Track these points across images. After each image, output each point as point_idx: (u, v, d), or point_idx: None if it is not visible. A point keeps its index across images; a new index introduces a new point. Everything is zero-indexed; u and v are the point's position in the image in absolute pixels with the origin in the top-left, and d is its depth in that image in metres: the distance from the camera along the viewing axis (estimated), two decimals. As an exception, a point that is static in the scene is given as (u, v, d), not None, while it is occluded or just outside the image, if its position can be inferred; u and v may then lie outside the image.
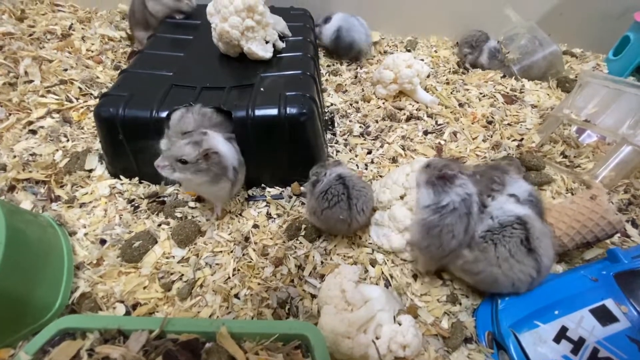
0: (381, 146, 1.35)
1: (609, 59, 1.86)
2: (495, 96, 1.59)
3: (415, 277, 0.99)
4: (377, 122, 1.45)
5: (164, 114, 1.02)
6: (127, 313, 0.87)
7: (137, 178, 1.16)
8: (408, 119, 1.47)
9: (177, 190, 1.15)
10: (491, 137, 1.40)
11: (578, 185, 1.24)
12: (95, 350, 0.63)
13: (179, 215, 1.08)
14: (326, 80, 1.68)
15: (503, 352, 0.81)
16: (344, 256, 1.02)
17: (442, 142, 1.37)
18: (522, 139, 1.40)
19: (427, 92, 1.58)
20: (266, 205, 1.14)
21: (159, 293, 0.91)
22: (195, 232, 1.02)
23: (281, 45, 1.31)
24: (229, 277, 0.95)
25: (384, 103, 1.56)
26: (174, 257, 0.99)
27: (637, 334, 0.75)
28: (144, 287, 0.92)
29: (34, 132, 1.27)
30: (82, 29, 1.77)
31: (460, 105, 1.54)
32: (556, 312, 0.81)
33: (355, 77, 1.70)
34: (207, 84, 1.13)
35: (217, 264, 0.98)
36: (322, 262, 1.00)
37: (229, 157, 0.97)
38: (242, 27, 1.16)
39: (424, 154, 1.32)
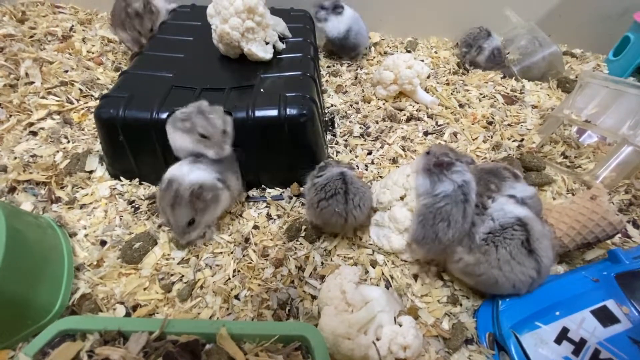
0: (381, 147, 1.35)
1: (609, 59, 1.86)
2: (495, 97, 1.59)
3: (415, 277, 0.98)
4: (377, 122, 1.45)
5: (164, 115, 1.02)
6: (127, 314, 0.87)
7: (137, 179, 1.16)
8: (408, 120, 1.47)
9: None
10: (491, 137, 1.40)
11: (578, 185, 1.24)
12: (95, 352, 0.63)
13: (179, 216, 1.07)
14: (326, 81, 1.68)
15: (504, 353, 0.81)
16: (344, 257, 1.02)
17: (443, 143, 1.37)
18: (522, 140, 1.40)
19: (427, 92, 1.58)
20: (266, 206, 1.14)
21: (159, 294, 0.91)
22: (195, 233, 1.02)
23: (281, 46, 1.31)
24: (229, 278, 0.95)
25: (384, 104, 1.56)
26: (174, 258, 0.99)
27: (639, 334, 0.75)
28: (144, 289, 0.92)
29: (34, 133, 1.27)
30: (83, 30, 1.77)
31: (461, 105, 1.54)
32: (557, 313, 0.80)
33: (356, 78, 1.70)
34: (207, 85, 1.13)
35: (217, 265, 0.98)
36: (322, 263, 1.00)
37: (207, 177, 0.96)
38: (242, 28, 1.16)
39: (424, 154, 1.32)
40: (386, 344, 0.76)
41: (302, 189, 1.17)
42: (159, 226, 1.05)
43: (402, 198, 1.01)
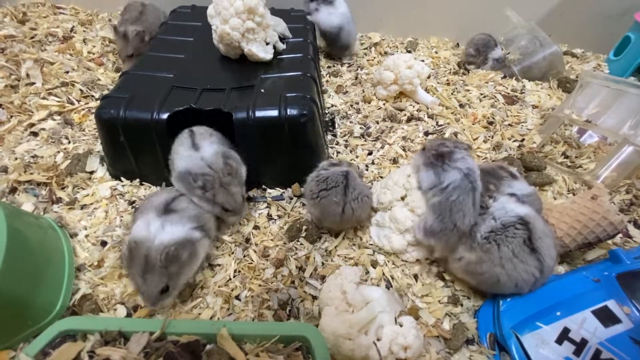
0: (382, 147, 1.35)
1: (610, 59, 1.86)
2: (495, 97, 1.59)
3: (416, 278, 0.98)
4: (377, 123, 1.45)
5: (164, 116, 1.02)
6: (128, 315, 0.87)
7: (137, 180, 1.16)
8: (409, 120, 1.47)
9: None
10: (492, 137, 1.40)
11: (579, 185, 1.23)
12: (96, 352, 0.63)
13: (179, 216, 1.07)
14: (326, 81, 1.68)
15: (505, 354, 0.81)
16: (345, 257, 1.02)
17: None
18: (523, 140, 1.40)
19: (428, 92, 1.58)
20: (267, 207, 1.14)
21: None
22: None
23: (281, 46, 1.31)
24: (230, 279, 0.95)
25: (384, 104, 1.56)
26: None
27: (640, 335, 0.75)
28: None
29: (35, 134, 1.27)
30: (84, 31, 1.77)
31: (461, 106, 1.54)
32: (558, 314, 0.80)
33: (356, 78, 1.70)
34: (207, 85, 1.13)
35: (217, 266, 0.98)
36: (322, 264, 1.00)
37: (180, 232, 0.83)
38: (242, 28, 1.16)
39: (425, 154, 1.32)
40: (387, 344, 0.76)
41: (302, 189, 1.17)
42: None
43: (402, 198, 1.01)
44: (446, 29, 2.00)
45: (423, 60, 1.80)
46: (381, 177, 1.23)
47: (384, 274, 0.98)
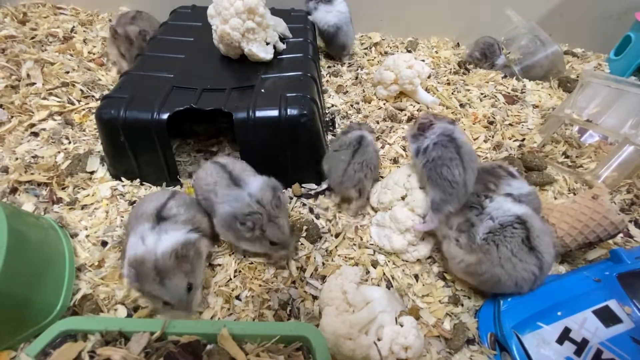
0: (382, 147, 1.34)
1: (611, 58, 1.85)
2: (496, 96, 1.59)
3: (416, 278, 0.98)
4: (378, 123, 1.45)
5: (164, 116, 1.02)
6: (129, 315, 0.87)
7: (138, 180, 1.16)
8: (409, 120, 1.47)
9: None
10: (492, 137, 1.40)
11: (580, 185, 1.23)
12: (96, 352, 0.63)
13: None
14: (327, 81, 1.68)
15: (505, 354, 0.81)
16: (345, 257, 1.02)
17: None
18: (523, 139, 1.40)
19: (428, 92, 1.58)
20: (267, 207, 1.14)
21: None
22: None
23: (282, 46, 1.31)
24: (230, 279, 0.95)
25: (384, 104, 1.56)
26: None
27: (641, 335, 0.75)
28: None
29: (35, 134, 1.27)
30: (84, 31, 1.77)
31: (461, 105, 1.54)
32: (559, 313, 0.80)
33: (356, 78, 1.70)
34: (207, 85, 1.13)
35: (218, 265, 0.98)
36: (323, 264, 1.00)
37: (166, 247, 0.78)
38: (242, 28, 1.16)
39: (425, 154, 1.32)
40: (387, 344, 0.76)
41: (302, 189, 1.18)
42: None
43: (403, 198, 1.01)
44: (446, 28, 2.00)
45: (423, 60, 1.80)
46: (382, 177, 1.23)
47: (384, 273, 0.98)
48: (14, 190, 1.10)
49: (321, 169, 1.12)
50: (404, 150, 1.33)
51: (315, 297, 0.92)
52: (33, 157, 1.20)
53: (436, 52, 1.91)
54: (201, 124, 1.38)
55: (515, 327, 0.81)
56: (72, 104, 1.39)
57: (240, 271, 0.96)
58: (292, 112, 1.03)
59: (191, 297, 0.79)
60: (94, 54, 1.66)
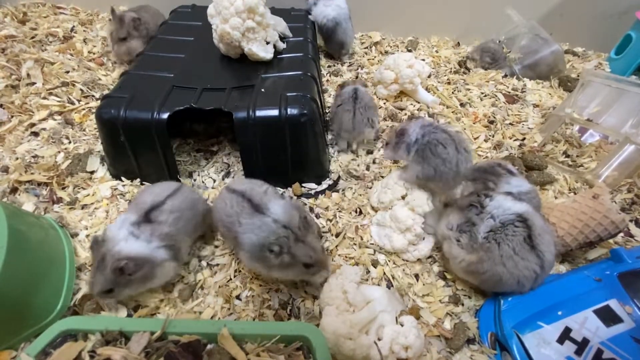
0: (382, 146, 1.34)
1: (611, 57, 1.85)
2: (496, 96, 1.59)
3: (417, 277, 0.98)
4: (378, 122, 1.45)
5: (165, 116, 1.02)
6: (129, 315, 0.87)
7: (138, 179, 1.16)
8: (409, 119, 1.46)
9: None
10: (493, 137, 1.40)
11: (580, 184, 1.23)
12: (96, 352, 0.63)
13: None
14: (327, 80, 1.68)
15: (506, 353, 0.81)
16: (346, 257, 1.02)
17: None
18: (524, 139, 1.39)
19: (429, 92, 1.57)
20: (267, 206, 1.14)
21: (160, 294, 0.91)
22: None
23: (282, 46, 1.31)
24: (231, 279, 0.95)
25: (385, 103, 1.55)
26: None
27: (642, 334, 0.75)
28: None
29: (36, 134, 1.27)
30: (84, 31, 1.77)
31: (462, 105, 1.54)
32: (560, 313, 0.80)
33: (356, 77, 1.70)
34: (207, 85, 1.13)
35: (218, 265, 0.98)
36: (323, 263, 0.99)
37: (141, 248, 0.80)
38: (242, 28, 1.16)
39: (426, 154, 1.32)
40: (388, 344, 0.76)
41: (303, 189, 1.17)
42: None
43: (403, 197, 1.01)
44: (447, 28, 1.99)
45: (424, 60, 1.80)
46: (382, 177, 1.23)
47: (384, 273, 0.98)
48: (14, 190, 1.10)
49: (321, 168, 1.12)
50: (404, 149, 1.33)
51: (315, 297, 0.92)
52: (33, 156, 1.20)
53: (436, 51, 1.91)
54: (201, 124, 1.38)
55: (516, 327, 0.81)
56: (72, 103, 1.39)
57: (240, 271, 0.96)
58: (292, 111, 1.03)
59: (104, 296, 0.80)
60: (94, 53, 1.65)
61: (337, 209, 1.13)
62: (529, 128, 1.44)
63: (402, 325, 0.79)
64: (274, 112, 1.03)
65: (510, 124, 1.46)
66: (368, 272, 0.99)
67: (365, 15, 1.92)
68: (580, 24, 1.93)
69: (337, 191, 1.19)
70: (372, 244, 1.05)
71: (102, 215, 1.07)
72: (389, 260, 1.01)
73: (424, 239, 1.02)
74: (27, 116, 1.32)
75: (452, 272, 0.97)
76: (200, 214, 0.95)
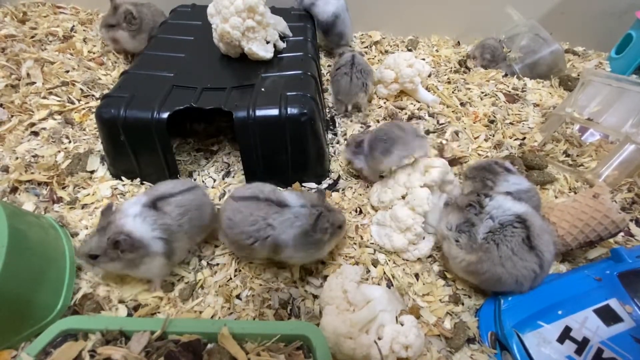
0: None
1: (612, 57, 1.85)
2: (497, 95, 1.59)
3: (417, 277, 0.98)
4: (378, 122, 1.45)
5: (165, 115, 1.02)
6: (129, 314, 0.87)
7: (138, 179, 1.16)
8: (409, 119, 1.47)
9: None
10: (493, 136, 1.40)
11: (581, 184, 1.23)
12: (97, 352, 0.63)
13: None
14: (327, 80, 1.67)
15: (506, 353, 0.81)
16: (346, 256, 1.02)
17: (444, 142, 1.36)
18: (524, 138, 1.39)
19: (429, 91, 1.57)
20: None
21: (160, 294, 0.91)
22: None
23: (282, 45, 1.31)
24: (231, 278, 0.95)
25: (385, 103, 1.55)
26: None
27: (642, 334, 0.75)
28: (146, 289, 0.92)
29: (36, 133, 1.27)
30: (84, 30, 1.77)
31: (462, 104, 1.53)
32: (560, 312, 0.80)
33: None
34: (208, 84, 1.13)
35: (218, 265, 0.98)
36: (323, 263, 0.99)
37: (144, 232, 0.81)
38: (242, 27, 1.16)
39: (426, 153, 1.32)
40: (388, 343, 0.76)
41: (303, 188, 1.17)
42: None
43: (403, 197, 1.01)
44: (447, 27, 1.99)
45: (424, 59, 1.79)
46: (382, 176, 1.22)
47: (384, 272, 0.98)
48: (14, 190, 1.10)
49: (322, 168, 1.12)
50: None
51: (315, 296, 0.92)
52: (33, 156, 1.20)
53: (437, 50, 1.90)
54: (201, 123, 1.38)
55: (516, 326, 0.81)
56: (72, 103, 1.39)
57: (240, 270, 0.96)
58: (292, 111, 1.03)
59: (89, 261, 0.81)
60: (94, 53, 1.65)
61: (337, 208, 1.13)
62: (529, 127, 1.44)
63: (402, 325, 0.79)
64: (274, 112, 1.03)
65: (511, 123, 1.46)
66: (368, 271, 0.99)
67: (365, 15, 1.92)
68: (581, 23, 1.93)
69: (337, 190, 1.19)
70: (372, 243, 1.05)
71: (102, 214, 1.07)
72: (389, 260, 1.01)
73: (424, 238, 1.02)
74: (27, 116, 1.31)
75: (452, 271, 0.97)
76: (206, 218, 0.94)
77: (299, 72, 1.19)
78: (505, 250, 0.83)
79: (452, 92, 1.60)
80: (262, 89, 1.10)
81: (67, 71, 1.49)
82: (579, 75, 1.71)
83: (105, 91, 1.43)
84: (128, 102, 1.05)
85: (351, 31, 1.79)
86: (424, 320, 0.89)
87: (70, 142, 1.26)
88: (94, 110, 1.30)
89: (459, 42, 1.99)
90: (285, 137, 1.06)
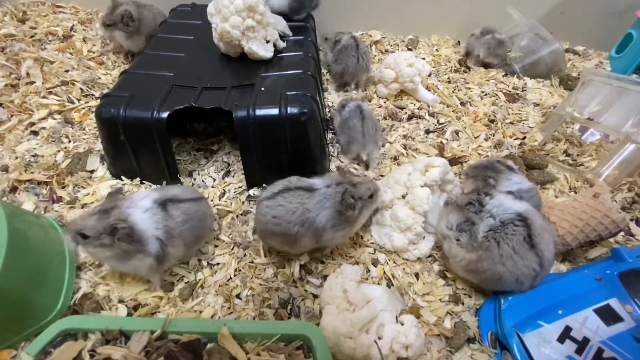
0: (383, 145, 1.34)
1: (612, 56, 1.85)
2: (497, 95, 1.59)
3: (417, 276, 0.98)
4: (378, 121, 1.45)
5: (164, 115, 1.02)
6: (129, 314, 0.87)
7: (138, 179, 1.16)
8: (409, 118, 1.47)
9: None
10: (493, 135, 1.40)
11: (581, 183, 1.23)
12: (96, 351, 0.63)
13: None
14: (327, 79, 1.67)
15: (506, 353, 0.81)
16: (346, 256, 1.02)
17: (444, 141, 1.36)
18: (524, 138, 1.39)
19: (429, 91, 1.57)
20: (267, 205, 1.14)
21: (160, 293, 0.91)
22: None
23: (282, 44, 1.31)
24: (231, 278, 0.95)
25: (385, 102, 1.55)
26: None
27: (642, 333, 0.75)
28: (146, 288, 0.92)
29: (35, 133, 1.27)
30: (84, 30, 1.77)
31: (462, 104, 1.53)
32: (560, 312, 0.80)
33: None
34: (207, 84, 1.13)
35: (218, 265, 0.98)
36: (323, 262, 0.99)
37: (148, 228, 0.80)
38: (242, 27, 1.16)
39: (426, 153, 1.32)
40: (388, 343, 0.76)
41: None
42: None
43: (403, 197, 1.00)
44: (447, 26, 1.99)
45: (424, 58, 1.79)
46: (382, 176, 1.23)
47: (384, 272, 0.98)
48: (14, 189, 1.10)
49: (321, 167, 1.12)
50: (405, 148, 1.33)
51: (315, 296, 0.92)
52: (33, 156, 1.19)
53: (437, 50, 1.90)
54: (201, 123, 1.38)
55: (516, 326, 0.81)
56: (72, 102, 1.39)
57: (240, 270, 0.96)
58: (292, 110, 1.03)
59: (76, 239, 0.77)
60: (93, 52, 1.65)
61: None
62: (529, 127, 1.44)
63: (402, 325, 0.79)
64: (274, 111, 1.03)
65: (511, 122, 1.46)
66: (368, 271, 0.98)
67: (365, 14, 1.92)
68: (581, 22, 1.93)
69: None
70: (372, 243, 1.04)
71: (102, 214, 1.06)
72: (389, 260, 1.01)
73: (424, 238, 1.02)
74: (26, 115, 1.31)
75: (452, 271, 0.97)
76: (205, 230, 0.95)
77: (299, 71, 1.19)
78: (506, 249, 0.83)
79: (452, 91, 1.60)
80: (262, 89, 1.10)
81: (67, 71, 1.49)
82: (579, 74, 1.71)
83: (105, 91, 1.43)
84: (128, 101, 1.04)
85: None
86: (424, 319, 0.89)
87: (70, 141, 1.26)
88: (93, 109, 1.30)
89: (459, 41, 1.98)
90: (285, 136, 1.06)
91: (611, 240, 1.01)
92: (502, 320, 0.83)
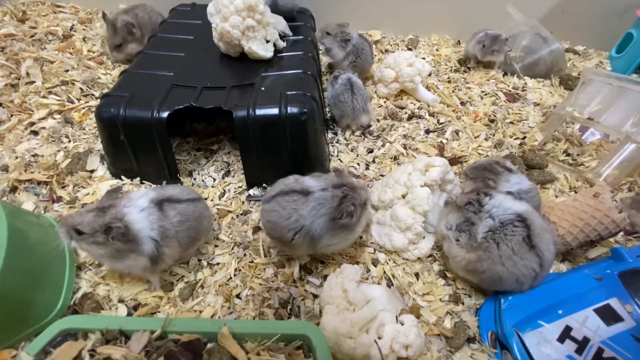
0: (383, 145, 1.34)
1: (612, 56, 1.85)
2: (497, 94, 1.59)
3: (417, 276, 0.98)
4: (378, 121, 1.45)
5: (164, 114, 1.02)
6: (129, 314, 0.87)
7: (138, 178, 1.16)
8: (410, 118, 1.46)
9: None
10: (493, 135, 1.40)
11: (581, 183, 1.23)
12: (97, 351, 0.63)
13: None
14: (327, 79, 1.67)
15: (506, 352, 0.81)
16: (346, 256, 1.02)
17: (444, 141, 1.36)
18: (524, 138, 1.39)
19: (429, 90, 1.57)
20: (267, 205, 1.14)
21: (160, 293, 0.91)
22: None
23: (282, 44, 1.31)
24: (231, 278, 0.95)
25: (385, 102, 1.55)
26: (175, 257, 0.98)
27: (642, 333, 0.75)
28: (146, 288, 0.92)
29: (35, 133, 1.27)
30: (84, 29, 1.77)
31: (462, 103, 1.53)
32: (560, 312, 0.80)
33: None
34: (207, 83, 1.13)
35: (218, 264, 0.98)
36: (323, 262, 0.99)
37: (143, 228, 0.80)
38: (242, 26, 1.16)
39: (426, 152, 1.31)
40: (388, 342, 0.76)
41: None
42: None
43: (403, 196, 1.00)
44: (447, 26, 1.99)
45: (424, 58, 1.79)
46: (382, 176, 1.22)
47: (385, 272, 0.98)
48: (14, 189, 1.10)
49: (321, 167, 1.12)
50: (405, 148, 1.33)
51: (315, 296, 0.92)
52: (33, 155, 1.19)
53: (437, 49, 1.90)
54: (201, 123, 1.38)
55: (516, 326, 0.81)
56: (72, 102, 1.39)
57: (240, 270, 0.96)
58: (292, 110, 1.03)
59: (71, 234, 0.77)
60: (93, 52, 1.65)
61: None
62: (529, 127, 1.44)
63: (402, 324, 0.79)
64: (274, 111, 1.03)
65: (511, 122, 1.46)
66: (368, 271, 0.98)
67: (366, 14, 1.92)
68: (582, 22, 1.93)
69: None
70: (373, 242, 1.04)
71: (102, 214, 1.06)
72: (389, 259, 1.01)
73: (424, 237, 1.02)
74: (26, 115, 1.31)
75: (452, 270, 0.97)
76: (201, 232, 0.94)
77: (299, 71, 1.19)
78: (506, 249, 0.83)
79: (453, 91, 1.60)
80: (262, 88, 1.10)
81: (67, 70, 1.49)
82: (579, 74, 1.70)
83: (105, 90, 1.43)
84: (128, 101, 1.04)
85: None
86: (424, 319, 0.89)
87: (69, 141, 1.26)
88: (93, 109, 1.30)
89: (459, 41, 1.98)
90: (285, 136, 1.06)
91: (611, 240, 1.01)
92: (502, 320, 0.83)
